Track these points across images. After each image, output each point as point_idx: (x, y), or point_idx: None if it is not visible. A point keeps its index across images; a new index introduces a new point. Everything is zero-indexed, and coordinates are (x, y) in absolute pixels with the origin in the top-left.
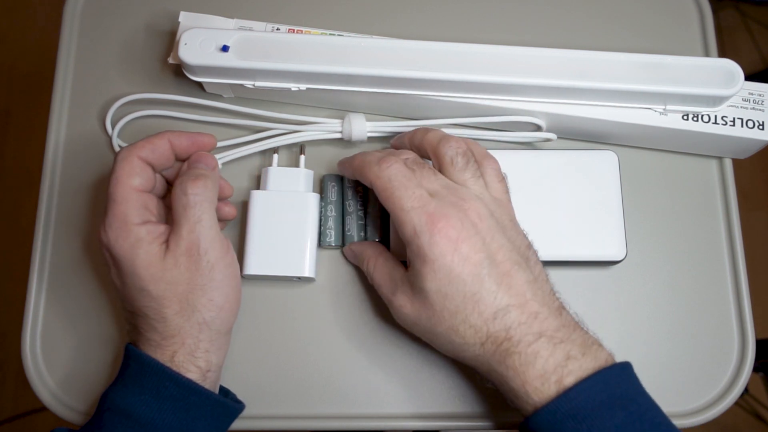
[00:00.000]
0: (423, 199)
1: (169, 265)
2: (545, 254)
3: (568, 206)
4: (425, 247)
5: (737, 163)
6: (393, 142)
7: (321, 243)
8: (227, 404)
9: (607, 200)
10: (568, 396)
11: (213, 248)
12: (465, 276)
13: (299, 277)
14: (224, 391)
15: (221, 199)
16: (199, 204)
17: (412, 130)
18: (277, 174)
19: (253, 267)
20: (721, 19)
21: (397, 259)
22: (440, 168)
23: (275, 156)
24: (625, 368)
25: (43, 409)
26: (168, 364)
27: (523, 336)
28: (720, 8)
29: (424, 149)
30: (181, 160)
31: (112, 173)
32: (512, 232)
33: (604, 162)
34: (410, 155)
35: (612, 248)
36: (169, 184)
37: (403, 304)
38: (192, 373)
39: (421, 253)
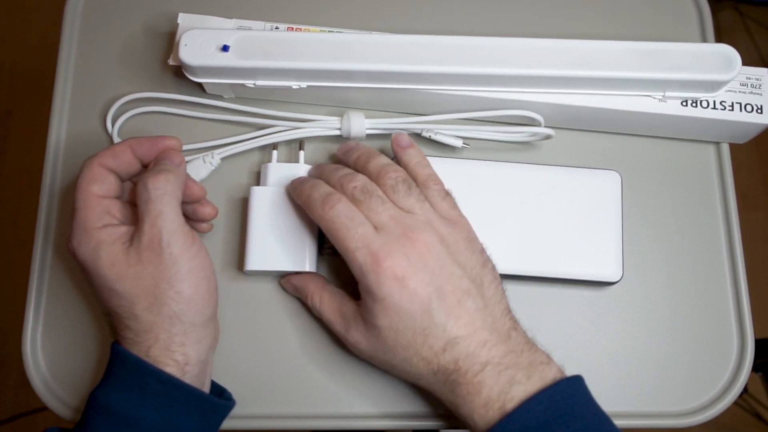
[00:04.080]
0: (367, 238)
1: (132, 261)
2: (538, 270)
3: (567, 223)
4: (373, 286)
5: (736, 164)
6: (339, 155)
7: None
8: (212, 400)
9: (607, 221)
10: (511, 418)
11: (175, 240)
12: (414, 312)
13: (300, 273)
14: (220, 389)
15: (193, 201)
16: (159, 198)
17: (356, 153)
18: (276, 170)
19: (254, 263)
20: (721, 20)
21: (342, 291)
22: (387, 196)
23: (274, 152)
24: (573, 383)
25: (44, 408)
26: (144, 359)
27: (470, 366)
28: (719, 8)
29: (369, 176)
30: (146, 165)
31: (76, 182)
32: (466, 253)
33: (607, 182)
34: (359, 182)
35: (607, 269)
36: None
37: (359, 340)
38: (170, 367)
39: (371, 292)
